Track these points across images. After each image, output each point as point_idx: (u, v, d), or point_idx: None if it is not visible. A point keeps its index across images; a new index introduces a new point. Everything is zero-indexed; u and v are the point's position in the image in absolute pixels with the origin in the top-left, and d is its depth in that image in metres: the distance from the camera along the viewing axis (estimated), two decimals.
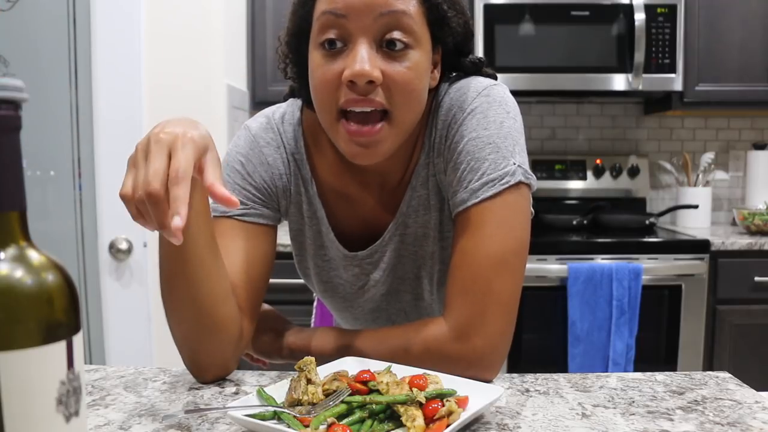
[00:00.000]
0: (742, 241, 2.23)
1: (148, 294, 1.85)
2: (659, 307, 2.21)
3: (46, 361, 0.40)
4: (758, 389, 0.77)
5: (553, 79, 2.40)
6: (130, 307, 1.85)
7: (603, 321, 2.12)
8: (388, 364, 0.74)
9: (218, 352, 0.80)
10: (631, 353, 2.13)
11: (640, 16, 2.32)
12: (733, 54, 2.45)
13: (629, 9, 2.36)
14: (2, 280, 0.40)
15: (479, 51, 2.36)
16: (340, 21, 0.75)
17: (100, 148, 1.81)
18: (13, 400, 0.39)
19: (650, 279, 2.17)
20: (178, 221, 0.62)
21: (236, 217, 0.87)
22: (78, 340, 0.43)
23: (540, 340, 2.24)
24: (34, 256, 0.42)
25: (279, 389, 0.70)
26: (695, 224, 2.63)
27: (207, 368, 0.80)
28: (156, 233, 0.72)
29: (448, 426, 0.60)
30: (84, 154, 1.83)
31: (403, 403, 0.63)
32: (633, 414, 0.69)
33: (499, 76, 0.92)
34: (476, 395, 0.67)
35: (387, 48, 0.76)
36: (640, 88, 2.37)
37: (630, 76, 2.37)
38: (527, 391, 0.77)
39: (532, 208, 0.84)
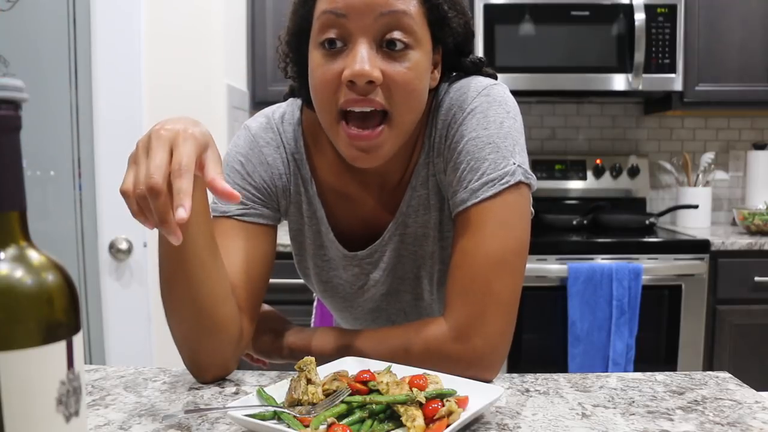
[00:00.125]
0: (742, 241, 2.23)
1: (148, 294, 1.85)
2: (659, 307, 2.21)
3: (46, 361, 0.40)
4: (758, 389, 0.77)
5: (553, 79, 2.40)
6: (130, 307, 1.85)
7: (603, 321, 2.12)
8: (388, 364, 0.74)
9: (218, 352, 0.80)
10: (631, 353, 2.13)
11: (640, 16, 2.32)
12: (733, 54, 2.45)
13: (629, 9, 2.36)
14: (2, 280, 0.39)
15: (479, 51, 2.36)
16: (340, 21, 0.75)
17: (100, 148, 1.81)
18: (13, 400, 0.39)
19: (650, 279, 2.17)
20: (182, 212, 0.62)
21: (236, 217, 0.87)
22: (78, 340, 0.43)
23: (540, 340, 2.24)
24: (34, 256, 0.42)
25: (279, 389, 0.70)
26: (695, 224, 2.63)
27: (207, 368, 0.80)
28: (156, 233, 0.72)
29: (448, 426, 0.60)
30: (84, 154, 1.83)
31: (403, 403, 0.63)
32: (633, 414, 0.69)
33: (499, 76, 0.92)
34: (476, 395, 0.67)
35: (387, 48, 0.76)
36: (640, 88, 2.37)
37: (630, 76, 2.37)
38: (527, 391, 0.77)
39: (532, 208, 0.84)
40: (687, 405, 0.72)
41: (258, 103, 2.48)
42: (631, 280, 2.11)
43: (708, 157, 2.66)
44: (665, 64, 2.39)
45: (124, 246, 1.80)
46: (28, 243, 0.42)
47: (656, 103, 2.71)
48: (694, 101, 2.48)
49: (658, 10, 2.37)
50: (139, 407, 0.72)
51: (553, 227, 2.55)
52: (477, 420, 0.67)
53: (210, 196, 0.79)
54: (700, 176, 2.69)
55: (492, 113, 0.82)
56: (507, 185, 0.79)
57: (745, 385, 0.78)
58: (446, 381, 0.70)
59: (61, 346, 0.41)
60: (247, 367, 0.95)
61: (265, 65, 2.48)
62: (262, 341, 0.93)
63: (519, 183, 0.80)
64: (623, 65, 2.39)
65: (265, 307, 0.96)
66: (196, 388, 0.79)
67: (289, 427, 0.62)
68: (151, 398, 0.75)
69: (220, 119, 2.15)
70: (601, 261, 2.19)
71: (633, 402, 0.73)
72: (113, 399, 0.75)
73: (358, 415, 0.64)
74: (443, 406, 0.62)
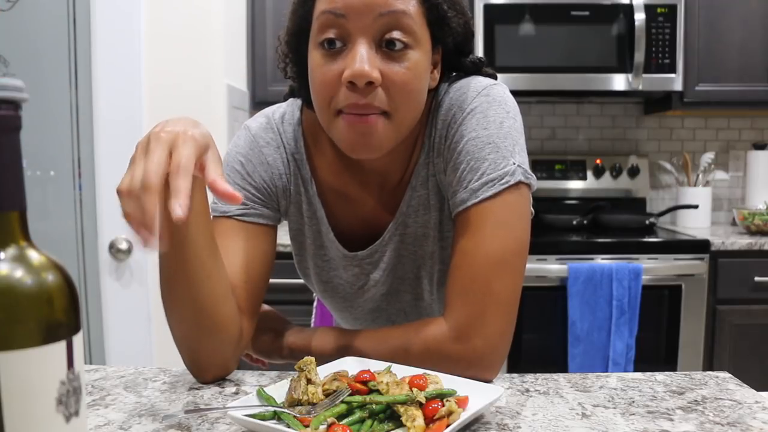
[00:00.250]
0: (742, 241, 2.23)
1: (148, 294, 1.84)
2: (659, 307, 2.21)
3: (46, 361, 0.40)
4: (758, 389, 0.77)
5: (553, 79, 2.40)
6: (130, 307, 1.85)
7: (603, 321, 2.12)
8: (388, 364, 0.74)
9: (218, 352, 0.80)
10: (631, 353, 2.13)
11: (640, 16, 2.32)
12: (733, 54, 2.45)
13: (629, 9, 2.36)
14: (2, 280, 0.40)
15: (479, 51, 2.36)
16: (339, 21, 0.75)
17: (100, 148, 1.81)
18: (13, 400, 0.39)
19: (650, 279, 2.17)
20: (178, 210, 0.61)
21: (236, 217, 0.87)
22: (78, 340, 0.43)
23: (540, 340, 2.24)
24: (34, 256, 0.42)
25: (279, 389, 0.70)
26: (695, 224, 2.63)
27: (207, 368, 0.80)
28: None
29: (448, 426, 0.60)
30: (84, 154, 1.83)
31: (403, 403, 0.63)
32: (633, 414, 0.69)
33: (499, 76, 0.92)
34: (476, 395, 0.67)
35: (386, 48, 0.76)
36: (640, 88, 2.37)
37: (630, 76, 2.37)
38: (527, 391, 0.77)
39: (532, 208, 0.84)
40: (687, 405, 0.72)
41: (258, 103, 2.48)
42: (631, 280, 2.11)
43: (708, 157, 2.66)
44: (665, 64, 2.39)
45: (124, 246, 1.80)
46: (28, 243, 0.42)
47: (656, 103, 2.72)
48: (694, 101, 2.48)
49: (658, 10, 2.37)
50: (139, 407, 0.72)
51: (553, 227, 2.55)
52: (477, 420, 0.67)
53: (210, 196, 0.79)
54: (700, 176, 2.69)
55: (492, 113, 0.82)
56: (507, 185, 0.79)
57: (745, 385, 0.78)
58: (446, 381, 0.70)
59: (61, 346, 0.41)
60: (247, 367, 0.95)
61: (265, 65, 2.48)
62: (262, 341, 0.93)
63: (519, 183, 0.80)
64: (623, 65, 2.39)
65: (265, 307, 0.96)
66: (196, 388, 0.79)
67: (289, 427, 0.62)
68: (151, 398, 0.75)
69: (220, 119, 2.15)
70: (601, 261, 2.19)
71: (633, 402, 0.73)
72: (113, 399, 0.75)
73: (358, 415, 0.64)
74: (443, 406, 0.62)
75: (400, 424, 0.62)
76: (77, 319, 0.43)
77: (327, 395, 0.67)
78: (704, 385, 0.79)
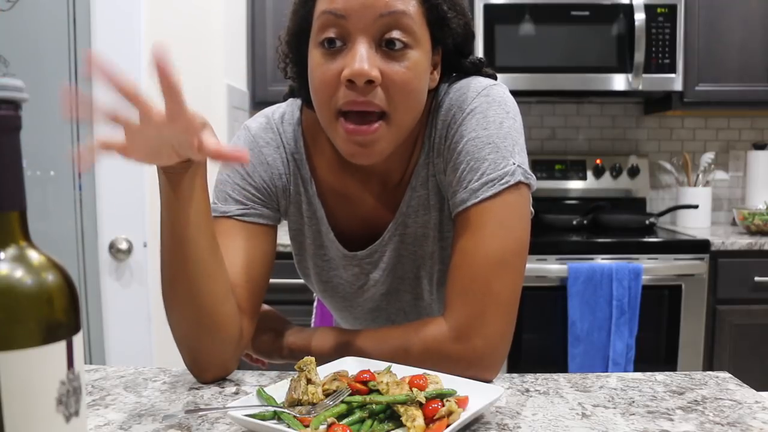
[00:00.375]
0: (742, 241, 2.23)
1: (148, 294, 1.84)
2: (659, 307, 2.21)
3: (46, 361, 0.40)
4: (758, 389, 0.77)
5: (553, 79, 2.40)
6: (130, 307, 1.85)
7: (603, 321, 2.12)
8: (388, 364, 0.74)
9: (218, 351, 0.80)
10: (631, 353, 2.13)
11: (640, 16, 2.32)
12: (733, 54, 2.45)
13: (629, 9, 2.36)
14: (2, 280, 0.40)
15: (479, 51, 2.36)
16: (339, 21, 0.75)
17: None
18: (13, 400, 0.39)
19: (650, 279, 2.17)
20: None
21: (236, 217, 0.87)
22: (78, 340, 0.43)
23: (540, 340, 2.24)
24: (34, 256, 0.42)
25: (279, 389, 0.70)
26: (695, 224, 2.63)
27: (207, 368, 0.80)
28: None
29: (448, 426, 0.60)
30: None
31: (403, 403, 0.63)
32: (633, 414, 0.69)
33: (499, 76, 0.92)
34: (476, 395, 0.67)
35: (386, 47, 0.76)
36: (640, 88, 2.37)
37: (630, 76, 2.37)
38: (527, 391, 0.77)
39: (531, 208, 0.84)
40: (687, 405, 0.72)
41: (258, 103, 2.48)
42: (631, 280, 2.11)
43: (708, 157, 2.66)
44: (665, 64, 2.39)
45: (124, 246, 1.80)
46: (28, 243, 0.42)
47: (656, 103, 2.72)
48: (694, 101, 2.48)
49: (658, 10, 2.37)
50: (139, 407, 0.72)
51: (553, 227, 2.55)
52: (477, 420, 0.67)
53: (210, 196, 0.79)
54: (700, 176, 2.69)
55: (492, 113, 0.82)
56: (507, 185, 0.79)
57: (745, 385, 0.78)
58: (446, 381, 0.70)
59: (61, 346, 0.41)
60: (247, 367, 0.95)
61: (265, 65, 2.48)
62: (262, 341, 0.93)
63: (519, 183, 0.80)
64: (623, 65, 2.39)
65: (265, 307, 0.96)
66: (196, 388, 0.79)
67: (289, 427, 0.62)
68: (151, 398, 0.75)
69: (220, 119, 2.15)
70: (601, 261, 2.19)
71: (633, 402, 0.73)
72: (113, 399, 0.75)
73: (358, 415, 0.64)
74: (443, 406, 0.62)
75: (400, 424, 0.62)
76: (77, 319, 0.43)
77: (327, 395, 0.67)
78: (704, 385, 0.79)
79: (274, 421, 0.64)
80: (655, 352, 2.23)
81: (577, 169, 2.76)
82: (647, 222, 2.52)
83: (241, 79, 2.46)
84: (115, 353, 1.87)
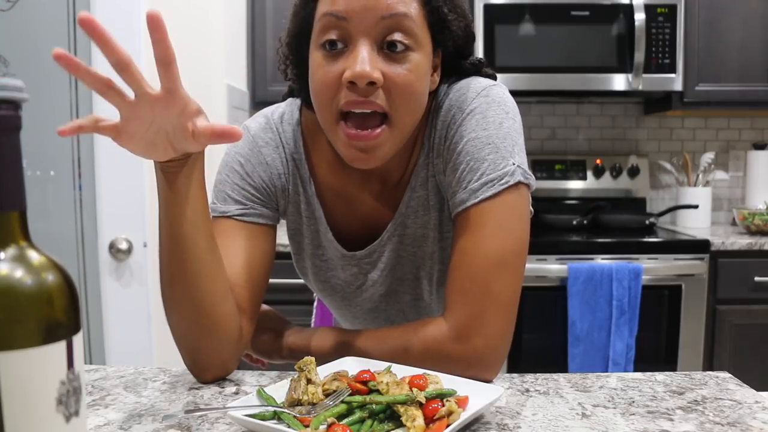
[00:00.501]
0: (742, 241, 2.23)
1: (148, 294, 1.84)
2: (659, 307, 2.21)
3: (46, 361, 0.40)
4: (758, 389, 0.77)
5: (553, 79, 2.40)
6: (130, 307, 1.85)
7: (603, 321, 2.12)
8: (388, 364, 0.74)
9: (217, 351, 0.80)
10: (631, 353, 2.13)
11: (640, 16, 2.32)
12: (733, 54, 2.45)
13: (629, 9, 2.36)
14: (2, 280, 0.40)
15: (479, 51, 2.36)
16: (341, 23, 0.75)
17: (100, 148, 1.81)
18: (13, 400, 0.39)
19: (650, 279, 2.17)
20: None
21: (236, 217, 0.87)
22: (78, 340, 0.43)
23: (540, 340, 2.24)
24: (34, 256, 0.42)
25: (279, 389, 0.70)
26: (695, 224, 2.63)
27: (206, 367, 0.80)
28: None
29: (448, 426, 0.60)
30: (84, 154, 1.82)
31: (403, 403, 0.63)
32: (633, 414, 0.69)
33: (499, 76, 0.92)
34: (476, 395, 0.67)
35: (388, 50, 0.76)
36: (640, 88, 2.37)
37: (630, 76, 2.37)
38: (527, 391, 0.77)
39: (531, 208, 0.84)
40: (687, 405, 0.72)
41: (258, 103, 2.48)
42: (631, 280, 2.11)
43: (708, 157, 2.66)
44: (665, 64, 2.39)
45: (124, 246, 1.80)
46: (28, 243, 0.42)
47: (656, 103, 2.72)
48: (694, 101, 2.48)
49: (658, 10, 2.37)
50: (139, 407, 0.72)
51: (553, 227, 2.55)
52: (477, 420, 0.67)
53: (210, 197, 0.79)
54: (700, 176, 2.69)
55: (491, 114, 0.82)
56: (506, 185, 0.79)
57: (745, 385, 0.78)
58: (446, 381, 0.70)
59: (61, 346, 0.41)
60: (247, 367, 0.95)
61: (265, 65, 2.48)
62: (262, 341, 0.93)
63: (518, 183, 0.80)
64: (623, 65, 2.39)
65: (265, 307, 0.96)
66: (196, 388, 0.79)
67: (289, 427, 0.62)
68: (151, 398, 0.75)
69: (220, 119, 2.15)
70: (601, 261, 2.19)
71: (633, 402, 0.73)
72: (113, 399, 0.75)
73: (358, 415, 0.64)
74: (443, 406, 0.62)
75: (400, 424, 0.62)
76: (77, 319, 0.43)
77: (327, 395, 0.67)
78: (704, 385, 0.79)
79: (274, 421, 0.64)
80: (655, 352, 2.23)
81: (577, 169, 2.76)
82: (647, 222, 2.52)
83: (241, 79, 2.46)
84: (115, 353, 1.87)
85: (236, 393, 0.77)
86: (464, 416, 0.62)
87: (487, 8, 2.37)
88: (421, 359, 0.78)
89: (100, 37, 0.60)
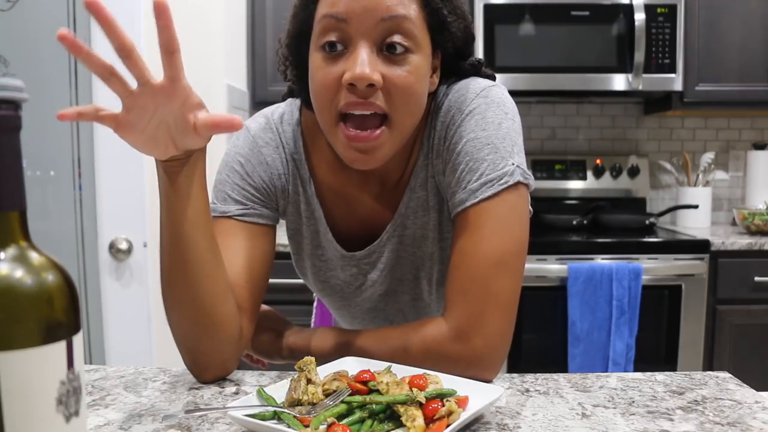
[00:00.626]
0: (742, 241, 2.23)
1: (148, 294, 1.84)
2: (659, 307, 2.21)
3: (46, 361, 0.40)
4: (758, 389, 0.77)
5: (553, 79, 2.40)
6: (130, 307, 1.85)
7: (603, 321, 2.12)
8: (388, 364, 0.74)
9: (217, 351, 0.80)
10: (631, 353, 2.13)
11: (640, 16, 2.32)
12: (733, 54, 2.45)
13: (629, 9, 2.36)
14: (2, 280, 0.40)
15: (479, 51, 2.36)
16: (341, 25, 0.75)
17: (100, 148, 1.81)
18: (13, 400, 0.39)
19: (650, 279, 2.17)
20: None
21: (236, 217, 0.87)
22: (78, 340, 0.43)
23: (540, 340, 2.24)
24: (34, 256, 0.42)
25: (279, 389, 0.70)
26: (695, 224, 2.63)
27: (207, 367, 0.80)
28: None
29: (448, 426, 0.60)
30: (84, 154, 1.82)
31: (403, 403, 0.63)
32: (633, 414, 0.69)
33: (499, 76, 0.92)
34: (476, 395, 0.67)
35: (387, 52, 0.76)
36: (640, 88, 2.37)
37: (630, 76, 2.37)
38: (527, 391, 0.77)
39: (530, 208, 0.84)
40: (687, 405, 0.72)
41: (258, 103, 2.48)
42: (631, 280, 2.11)
43: (708, 157, 2.66)
44: (665, 64, 2.39)
45: (124, 246, 1.80)
46: (28, 243, 0.42)
47: (656, 103, 2.72)
48: (694, 101, 2.48)
49: (658, 10, 2.37)
50: (139, 407, 0.72)
51: (553, 227, 2.55)
52: (477, 420, 0.67)
53: (210, 197, 0.79)
54: (700, 176, 2.69)
55: (490, 114, 0.82)
56: (506, 185, 0.79)
57: (745, 385, 0.78)
58: (446, 381, 0.70)
59: (61, 346, 0.41)
60: (247, 367, 0.95)
61: (265, 65, 2.48)
62: (262, 341, 0.93)
63: (518, 183, 0.80)
64: (623, 65, 2.39)
65: (265, 307, 0.96)
66: (196, 388, 0.79)
67: (289, 427, 0.62)
68: (151, 398, 0.75)
69: None
70: (601, 261, 2.19)
71: (633, 402, 0.73)
72: (113, 399, 0.75)
73: (358, 415, 0.64)
74: (443, 406, 0.62)
75: (400, 424, 0.62)
76: (77, 319, 0.43)
77: (327, 395, 0.67)
78: (704, 385, 0.79)
79: (274, 421, 0.64)
80: (655, 352, 2.23)
81: (577, 169, 2.76)
82: (647, 222, 2.52)
83: (241, 79, 2.46)
84: (115, 353, 1.87)
85: (236, 393, 0.77)
86: (464, 416, 0.62)
87: (487, 8, 2.37)
88: (421, 359, 0.78)
89: (104, 20, 0.61)
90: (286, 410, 0.65)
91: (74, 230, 1.84)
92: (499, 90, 0.85)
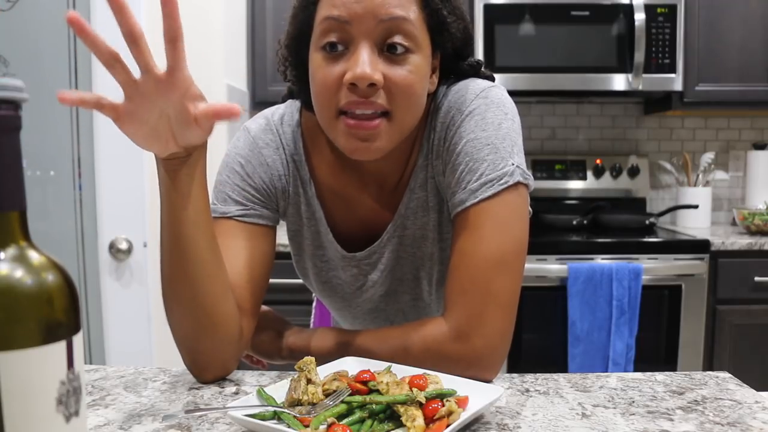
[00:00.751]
0: (742, 241, 2.23)
1: (148, 294, 1.84)
2: (659, 307, 2.21)
3: (46, 361, 0.40)
4: (758, 389, 0.77)
5: (553, 79, 2.40)
6: (130, 307, 1.85)
7: (603, 321, 2.12)
8: (388, 364, 0.74)
9: (217, 351, 0.80)
10: (631, 353, 2.13)
11: (640, 16, 2.32)
12: (733, 54, 2.45)
13: (629, 9, 2.36)
14: (2, 280, 0.40)
15: (479, 51, 2.37)
16: (342, 26, 0.75)
17: (100, 148, 1.81)
18: (13, 400, 0.39)
19: (650, 279, 2.17)
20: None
21: (236, 217, 0.87)
22: (78, 340, 0.43)
23: (540, 340, 2.24)
24: (34, 256, 0.42)
25: (279, 389, 0.70)
26: (695, 224, 2.63)
27: (206, 367, 0.80)
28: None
29: (448, 426, 0.60)
30: (84, 154, 1.82)
31: (403, 403, 0.63)
32: (633, 414, 0.69)
33: (499, 76, 0.93)
34: (476, 395, 0.67)
35: (388, 52, 0.76)
36: (640, 88, 2.37)
37: (630, 76, 2.37)
38: (527, 391, 0.77)
39: (530, 208, 0.84)
40: (687, 405, 0.72)
41: (258, 103, 2.48)
42: (631, 280, 2.11)
43: (708, 157, 2.66)
44: (665, 64, 2.39)
45: (124, 246, 1.80)
46: (28, 243, 0.42)
47: (656, 103, 2.72)
48: (694, 101, 2.48)
49: (658, 10, 2.37)
50: (139, 407, 0.72)
51: (553, 227, 2.55)
52: (477, 420, 0.67)
53: (210, 197, 0.79)
54: (700, 176, 2.69)
55: (490, 115, 0.82)
56: (506, 186, 0.79)
57: (745, 385, 0.78)
58: (446, 381, 0.70)
59: (61, 346, 0.41)
60: (247, 367, 0.95)
61: (265, 65, 2.48)
62: (262, 342, 0.93)
63: (517, 183, 0.80)
64: (623, 65, 2.39)
65: (264, 307, 0.96)
66: (196, 388, 0.79)
67: (289, 427, 0.62)
68: (151, 398, 0.75)
69: None
70: (601, 261, 2.19)
71: (633, 402, 0.73)
72: (113, 399, 0.75)
73: (358, 415, 0.64)
74: (443, 406, 0.62)
75: (400, 424, 0.62)
76: (77, 319, 0.43)
77: (327, 395, 0.67)
78: (704, 385, 0.79)
79: (274, 421, 0.64)
80: (655, 352, 2.23)
81: (577, 169, 2.76)
82: (647, 222, 2.52)
83: (241, 79, 2.46)
84: (115, 353, 1.87)
85: (236, 393, 0.77)
86: (464, 416, 0.62)
87: (487, 8, 2.37)
88: (421, 359, 0.78)
89: (116, 4, 0.61)
90: (286, 410, 0.65)
91: (74, 230, 1.84)
92: (498, 90, 0.85)
